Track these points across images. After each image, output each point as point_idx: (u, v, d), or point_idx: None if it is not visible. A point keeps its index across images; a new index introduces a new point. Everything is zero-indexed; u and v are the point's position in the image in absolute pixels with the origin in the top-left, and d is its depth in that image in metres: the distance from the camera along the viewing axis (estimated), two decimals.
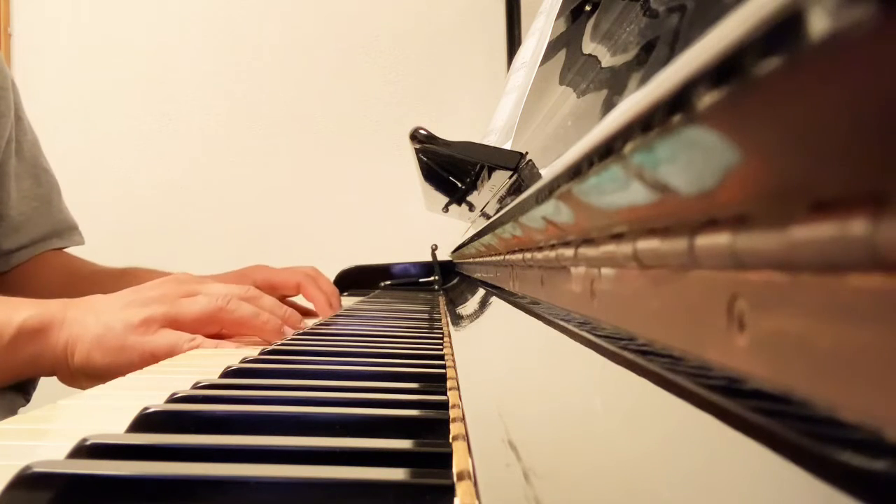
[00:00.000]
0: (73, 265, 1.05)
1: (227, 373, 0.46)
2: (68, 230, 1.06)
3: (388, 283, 1.45)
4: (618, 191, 0.20)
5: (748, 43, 0.11)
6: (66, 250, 1.07)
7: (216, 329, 0.69)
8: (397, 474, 0.26)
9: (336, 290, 0.99)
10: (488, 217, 0.63)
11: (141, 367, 0.64)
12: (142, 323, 0.65)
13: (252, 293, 0.71)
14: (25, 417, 0.39)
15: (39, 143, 1.06)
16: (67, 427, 0.38)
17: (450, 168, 0.76)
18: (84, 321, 0.67)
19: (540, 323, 0.39)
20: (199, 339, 0.66)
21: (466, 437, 0.30)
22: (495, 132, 0.76)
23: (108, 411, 0.41)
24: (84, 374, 0.67)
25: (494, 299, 0.64)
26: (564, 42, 0.63)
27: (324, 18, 1.95)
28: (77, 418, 0.40)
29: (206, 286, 0.71)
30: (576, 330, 0.30)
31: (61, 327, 0.67)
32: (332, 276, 1.42)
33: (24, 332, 0.66)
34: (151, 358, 0.64)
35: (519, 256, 0.44)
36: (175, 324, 0.67)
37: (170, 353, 0.65)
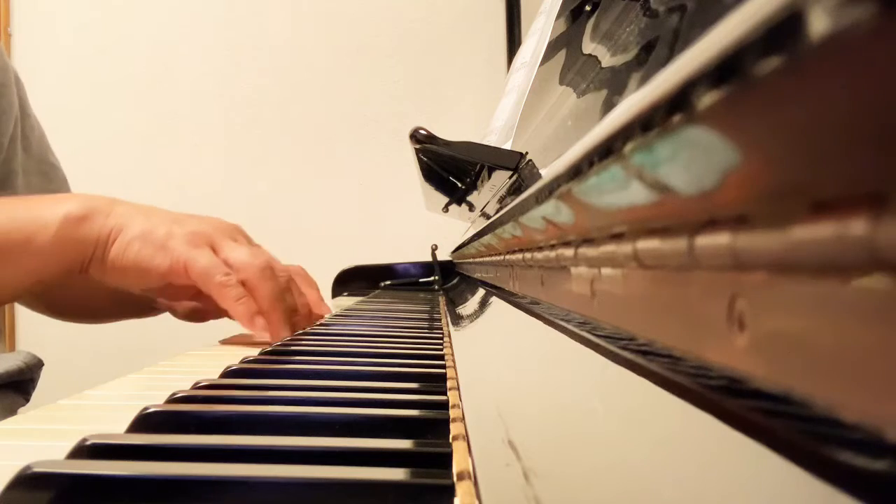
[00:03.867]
0: None
1: (227, 373, 0.46)
2: None
3: (388, 283, 1.45)
4: (618, 191, 0.20)
5: (748, 43, 0.11)
6: None
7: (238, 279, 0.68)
8: (397, 474, 0.26)
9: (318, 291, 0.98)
10: (488, 217, 0.63)
11: (166, 274, 0.66)
12: (191, 234, 0.67)
13: (284, 279, 0.70)
14: (25, 417, 0.39)
15: (47, 139, 1.05)
16: (67, 427, 0.38)
17: (450, 168, 0.76)
18: (132, 215, 0.68)
19: (540, 323, 0.39)
20: (233, 280, 0.65)
21: (466, 437, 0.30)
22: (495, 132, 0.76)
23: (108, 411, 0.41)
24: (115, 267, 0.67)
25: (494, 299, 0.64)
26: (564, 42, 0.63)
27: (324, 18, 1.95)
28: (77, 418, 0.40)
29: (254, 248, 0.71)
30: (576, 330, 0.30)
31: (107, 216, 0.68)
32: (331, 277, 1.42)
33: (70, 221, 0.67)
34: (183, 270, 0.65)
35: (519, 256, 0.44)
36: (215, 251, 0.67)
37: (202, 273, 0.65)
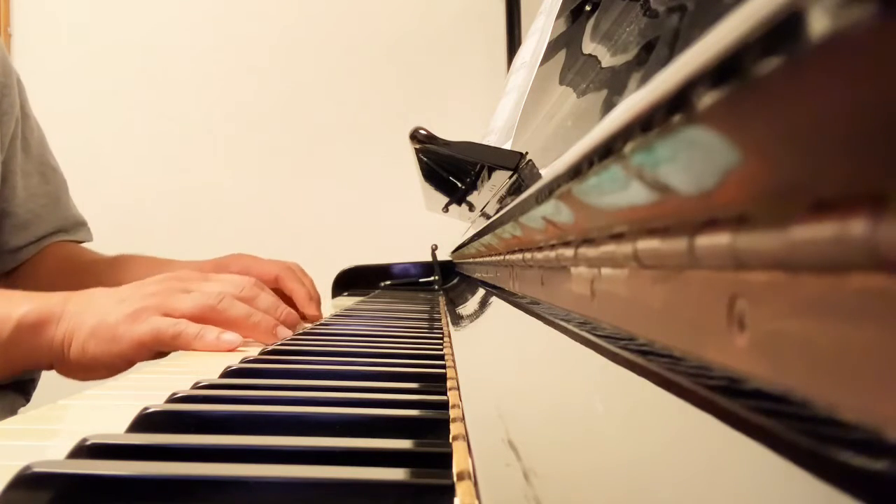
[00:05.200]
0: (74, 254, 1.05)
1: (227, 373, 0.46)
2: (76, 227, 1.06)
3: (388, 283, 1.45)
4: (618, 191, 0.20)
5: (748, 43, 0.11)
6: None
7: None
8: (397, 474, 0.26)
9: (314, 285, 0.98)
10: (488, 217, 0.63)
11: (132, 357, 0.67)
12: (133, 313, 0.66)
13: (248, 292, 0.71)
14: (25, 417, 0.39)
15: (47, 141, 1.05)
16: (67, 427, 0.38)
17: (450, 168, 0.76)
18: (81, 314, 0.68)
19: (540, 323, 0.39)
20: (183, 323, 0.65)
21: (466, 437, 0.30)
22: (495, 132, 0.76)
23: (108, 411, 0.41)
24: (79, 366, 0.68)
25: (494, 299, 0.64)
26: (564, 42, 0.63)
27: (324, 18, 1.95)
28: (77, 418, 0.40)
29: (204, 284, 0.70)
30: (576, 330, 0.30)
31: (59, 321, 0.68)
32: (331, 276, 1.42)
33: (24, 327, 0.67)
34: (139, 346, 0.65)
35: (519, 256, 0.44)
36: (166, 315, 0.67)
37: (155, 337, 0.65)
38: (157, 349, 0.68)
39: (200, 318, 0.67)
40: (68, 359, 0.68)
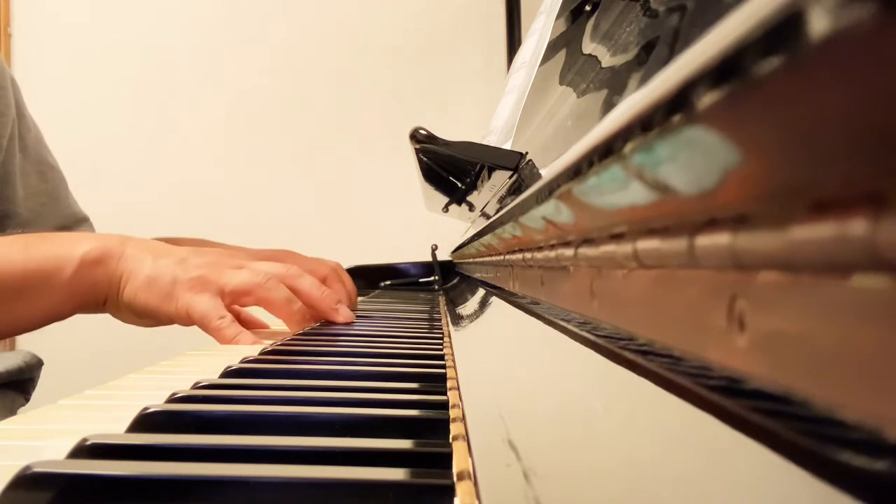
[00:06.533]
0: None
1: (227, 373, 0.46)
2: (78, 223, 1.06)
3: (388, 283, 1.45)
4: (618, 191, 0.20)
5: (748, 43, 0.11)
6: None
7: (252, 302, 0.74)
8: (397, 474, 0.26)
9: (356, 291, 0.99)
10: (488, 217, 0.63)
11: (176, 319, 0.72)
12: (192, 280, 0.71)
13: (293, 272, 0.75)
14: (25, 417, 0.39)
15: (44, 139, 1.05)
16: (67, 427, 0.38)
17: (450, 168, 0.76)
18: (139, 259, 0.72)
19: (540, 323, 0.39)
20: (227, 321, 0.69)
21: (466, 437, 0.30)
22: (495, 132, 0.76)
23: (108, 411, 0.41)
24: (130, 309, 0.73)
25: (494, 299, 0.64)
26: (564, 42, 0.63)
27: (323, 18, 1.95)
28: (77, 418, 0.40)
29: (256, 263, 0.75)
30: (576, 330, 0.30)
31: (119, 260, 0.72)
32: None
33: (86, 263, 0.71)
34: (186, 315, 0.70)
35: (519, 256, 0.44)
36: (220, 291, 0.71)
37: (201, 320, 0.69)
38: (197, 325, 0.72)
39: (246, 293, 0.72)
40: (121, 299, 0.72)
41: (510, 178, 0.56)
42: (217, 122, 1.93)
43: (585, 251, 0.26)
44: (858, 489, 0.11)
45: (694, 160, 0.15)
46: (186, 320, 0.71)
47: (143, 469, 0.26)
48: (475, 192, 0.74)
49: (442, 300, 1.13)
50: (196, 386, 0.41)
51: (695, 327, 0.17)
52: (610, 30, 0.42)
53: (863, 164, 0.10)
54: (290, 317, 0.73)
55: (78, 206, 1.08)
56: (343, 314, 0.77)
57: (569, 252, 0.29)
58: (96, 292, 0.72)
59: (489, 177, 0.65)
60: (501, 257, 0.55)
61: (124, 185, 1.88)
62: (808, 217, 0.11)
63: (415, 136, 0.67)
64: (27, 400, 0.94)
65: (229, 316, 0.70)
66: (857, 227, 0.10)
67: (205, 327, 0.71)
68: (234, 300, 0.73)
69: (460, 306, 0.90)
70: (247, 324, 0.78)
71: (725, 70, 0.12)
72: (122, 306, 0.73)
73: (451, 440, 0.30)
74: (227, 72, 1.93)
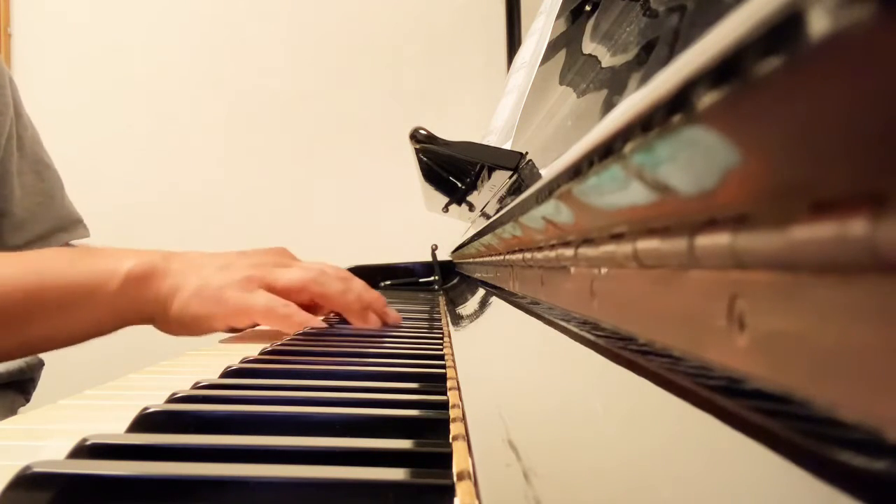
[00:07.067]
0: None
1: (227, 373, 0.46)
2: (73, 224, 1.06)
3: (388, 283, 1.45)
4: (618, 191, 0.20)
5: (748, 43, 0.11)
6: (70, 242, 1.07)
7: (306, 299, 0.74)
8: (397, 474, 0.26)
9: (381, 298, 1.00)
10: (488, 217, 0.63)
11: (233, 321, 0.72)
12: (241, 281, 0.71)
13: (343, 274, 0.76)
14: (25, 417, 0.39)
15: (40, 139, 1.05)
16: (67, 427, 0.38)
17: (450, 168, 0.76)
18: (185, 273, 0.72)
19: (540, 323, 0.39)
20: (294, 307, 0.69)
21: (466, 437, 0.30)
22: (495, 132, 0.76)
23: (108, 411, 0.41)
24: (179, 322, 0.72)
25: (494, 299, 0.64)
26: (564, 42, 0.63)
27: (324, 18, 1.95)
28: (77, 418, 0.40)
29: (302, 262, 0.76)
30: (576, 330, 0.30)
31: (164, 276, 0.72)
32: None
33: (131, 280, 0.71)
34: (245, 314, 0.70)
35: (519, 256, 0.44)
36: (269, 288, 0.71)
37: (265, 312, 0.70)
38: (260, 322, 0.72)
39: (300, 290, 0.72)
40: (169, 314, 0.72)
41: (510, 178, 0.56)
42: (217, 122, 1.92)
43: (585, 251, 0.26)
44: (858, 489, 0.11)
45: (694, 160, 0.15)
46: (245, 319, 0.71)
47: (143, 469, 0.26)
48: (475, 192, 0.74)
49: (442, 300, 1.13)
50: (196, 386, 0.41)
51: (695, 327, 0.17)
52: (610, 30, 0.42)
53: (863, 164, 0.10)
54: (347, 307, 0.73)
55: (73, 206, 1.08)
56: (392, 316, 0.77)
57: (569, 252, 0.29)
58: (142, 310, 0.72)
59: (489, 177, 0.65)
60: (501, 257, 0.55)
61: (124, 185, 1.88)
62: (808, 217, 0.11)
63: (415, 136, 0.67)
64: (27, 400, 0.94)
65: (294, 304, 0.70)
66: (857, 227, 0.10)
67: (270, 319, 0.70)
68: (284, 297, 0.72)
69: (460, 306, 0.90)
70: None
71: (725, 70, 0.12)
72: (172, 321, 0.72)
73: (451, 440, 0.30)
74: (227, 72, 1.93)
